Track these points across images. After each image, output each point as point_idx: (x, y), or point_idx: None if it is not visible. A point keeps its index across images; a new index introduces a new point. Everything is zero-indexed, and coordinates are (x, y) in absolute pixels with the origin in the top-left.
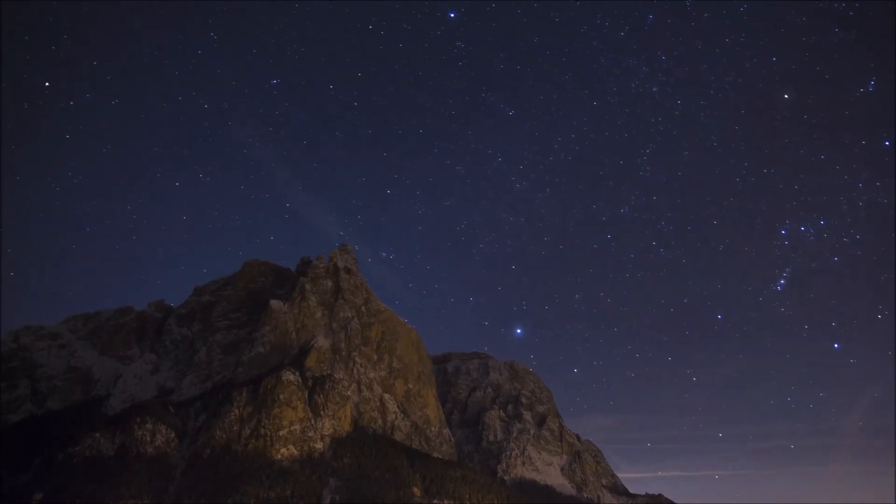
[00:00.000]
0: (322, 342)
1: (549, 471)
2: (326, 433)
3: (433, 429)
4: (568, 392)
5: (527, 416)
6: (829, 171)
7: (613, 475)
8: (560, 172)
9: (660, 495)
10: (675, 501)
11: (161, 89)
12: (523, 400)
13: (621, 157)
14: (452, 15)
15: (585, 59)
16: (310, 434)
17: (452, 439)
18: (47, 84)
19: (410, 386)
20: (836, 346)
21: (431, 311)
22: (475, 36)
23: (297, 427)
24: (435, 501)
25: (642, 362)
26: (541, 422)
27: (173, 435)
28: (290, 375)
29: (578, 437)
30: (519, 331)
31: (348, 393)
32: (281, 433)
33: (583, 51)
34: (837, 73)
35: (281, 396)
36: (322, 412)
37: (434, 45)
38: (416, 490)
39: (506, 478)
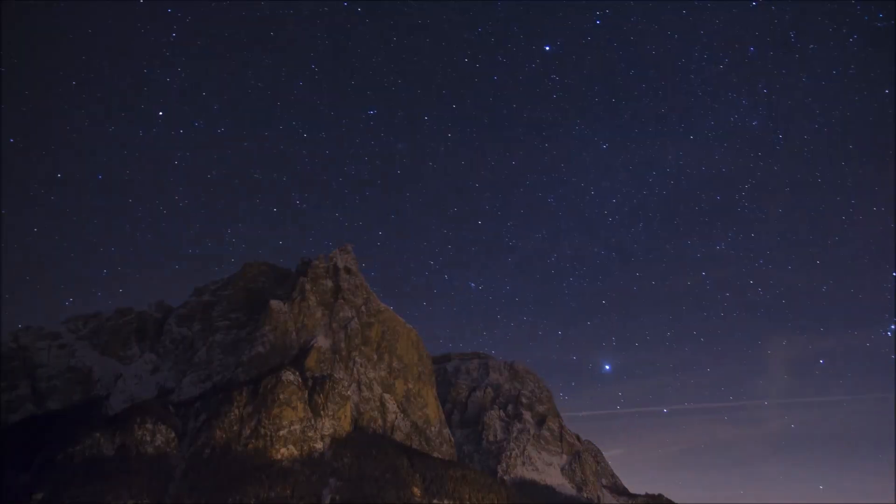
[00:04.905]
0: (322, 342)
1: (549, 471)
2: (326, 433)
3: (433, 429)
4: (657, 432)
5: (527, 416)
6: None
7: (613, 475)
8: (654, 207)
9: (660, 495)
10: (676, 501)
11: (263, 118)
12: (523, 400)
13: (718, 192)
14: (548, 48)
15: (682, 92)
16: (310, 434)
17: (452, 439)
18: (161, 113)
19: (410, 386)
20: None
21: (519, 342)
22: (570, 69)
23: (297, 427)
24: (435, 501)
25: (736, 406)
26: (541, 422)
27: (173, 435)
28: (290, 375)
29: (578, 437)
30: (608, 367)
31: (348, 393)
32: (281, 433)
33: (679, 84)
34: None
35: (281, 396)
36: (322, 412)
37: (529, 77)
38: (416, 490)
39: (506, 478)
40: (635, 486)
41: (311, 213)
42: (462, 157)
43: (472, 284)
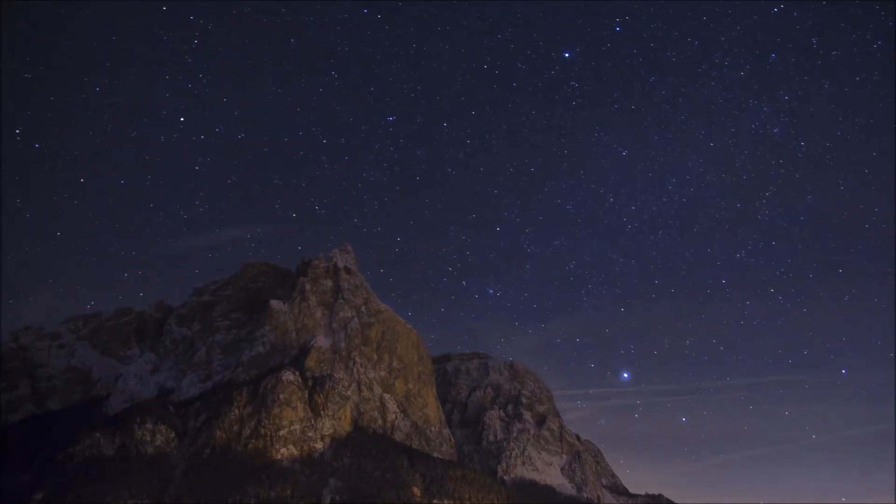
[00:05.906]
0: (322, 342)
1: (549, 471)
2: (326, 433)
3: (433, 429)
4: (676, 442)
5: (527, 416)
6: None
7: (613, 475)
8: (673, 214)
9: (660, 495)
10: (676, 501)
11: (283, 125)
12: (523, 400)
13: (738, 199)
14: (567, 55)
15: (702, 99)
16: (310, 434)
17: (452, 439)
18: (182, 119)
19: (410, 386)
20: None
21: (537, 349)
22: (589, 76)
23: (297, 427)
24: (435, 501)
25: (756, 415)
26: (541, 422)
27: (173, 435)
28: (290, 375)
29: (578, 437)
30: (626, 375)
31: (348, 393)
32: (281, 433)
33: (700, 90)
34: None
35: (281, 396)
36: (322, 412)
37: (548, 84)
38: (416, 490)
39: (506, 478)
40: (635, 486)
41: (329, 218)
42: (481, 164)
43: (490, 291)
